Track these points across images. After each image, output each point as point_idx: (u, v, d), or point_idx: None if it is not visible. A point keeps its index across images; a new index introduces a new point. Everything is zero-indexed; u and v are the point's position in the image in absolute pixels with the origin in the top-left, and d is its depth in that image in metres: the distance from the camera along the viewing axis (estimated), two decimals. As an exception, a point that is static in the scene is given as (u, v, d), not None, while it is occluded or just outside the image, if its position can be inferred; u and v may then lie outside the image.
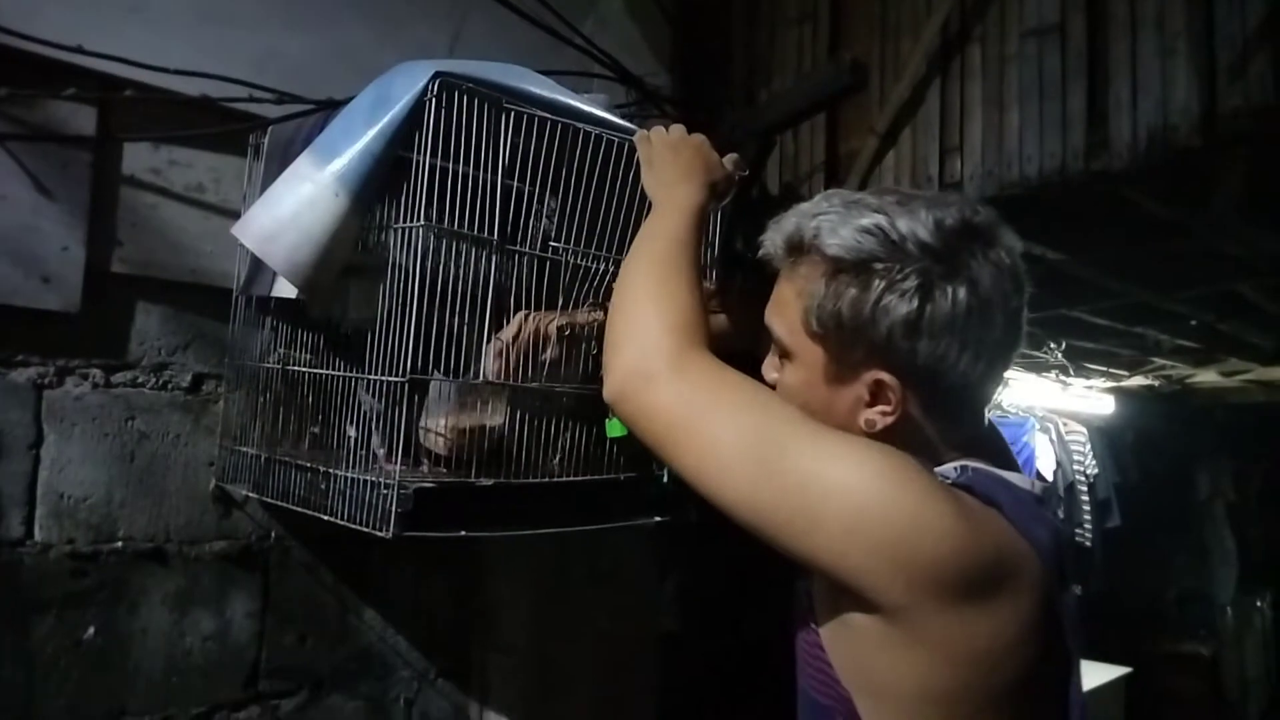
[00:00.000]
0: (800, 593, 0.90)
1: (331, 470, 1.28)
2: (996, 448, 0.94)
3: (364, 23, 1.68)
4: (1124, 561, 5.31)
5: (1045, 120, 1.65)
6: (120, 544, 1.46)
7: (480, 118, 1.23)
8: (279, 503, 1.39)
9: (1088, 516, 4.88)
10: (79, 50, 1.35)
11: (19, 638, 1.36)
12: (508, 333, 1.29)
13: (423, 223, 1.20)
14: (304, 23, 1.62)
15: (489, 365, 1.28)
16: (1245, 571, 6.62)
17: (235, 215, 1.45)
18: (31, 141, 1.36)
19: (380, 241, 1.34)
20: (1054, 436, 4.75)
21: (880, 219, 0.83)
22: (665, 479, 1.42)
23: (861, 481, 0.78)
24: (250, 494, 1.50)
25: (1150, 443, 6.08)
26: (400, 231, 1.23)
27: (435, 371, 1.22)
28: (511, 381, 1.29)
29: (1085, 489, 4.89)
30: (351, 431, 1.30)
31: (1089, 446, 4.97)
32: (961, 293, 0.81)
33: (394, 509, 1.17)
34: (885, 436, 0.84)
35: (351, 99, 1.30)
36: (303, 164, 1.27)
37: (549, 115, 1.29)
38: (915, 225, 0.83)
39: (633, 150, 1.24)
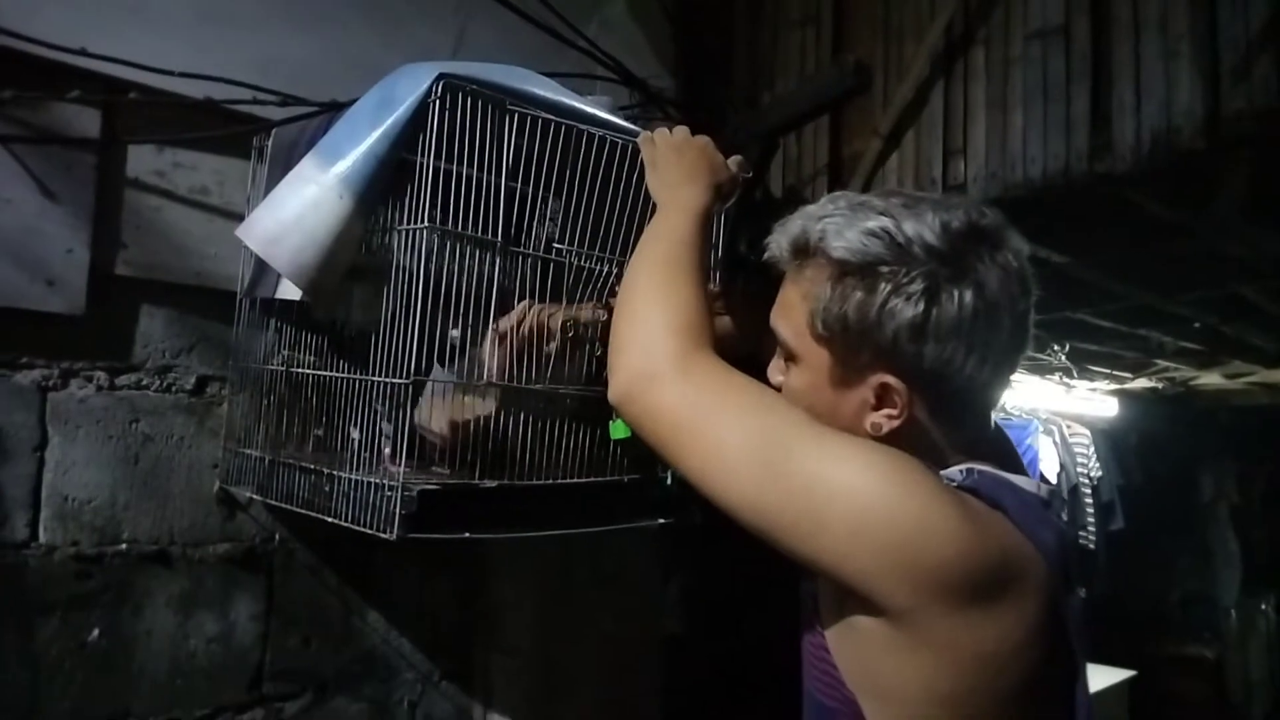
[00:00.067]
0: (805, 595, 0.90)
1: (335, 472, 1.28)
2: (1003, 450, 0.94)
3: (368, 25, 1.68)
4: (1128, 564, 5.29)
5: (1049, 122, 1.66)
6: (125, 546, 1.46)
7: (484, 119, 1.23)
8: (283, 505, 1.39)
9: (1091, 519, 4.87)
10: (83, 53, 1.35)
11: (24, 640, 1.36)
12: (509, 321, 1.28)
13: (427, 225, 1.20)
14: (308, 25, 1.62)
15: (488, 355, 1.28)
16: (1249, 574, 6.60)
17: (239, 218, 1.45)
18: (36, 144, 1.36)
19: (384, 244, 1.33)
20: (1058, 439, 4.74)
21: (886, 221, 0.83)
22: (669, 481, 1.42)
23: (867, 484, 0.77)
24: (254, 496, 1.50)
25: (1154, 445, 6.07)
26: (404, 233, 1.23)
27: (437, 366, 1.22)
28: (513, 378, 1.28)
29: (1089, 491, 4.87)
30: (355, 433, 1.30)
31: (1093, 449, 4.96)
32: (968, 296, 0.81)
33: (398, 511, 1.17)
34: (891, 439, 0.84)
35: (355, 101, 1.31)
36: (307, 166, 1.27)
37: (553, 117, 1.29)
38: (922, 228, 0.82)
39: (636, 152, 1.24)
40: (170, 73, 1.42)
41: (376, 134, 1.22)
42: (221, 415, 1.57)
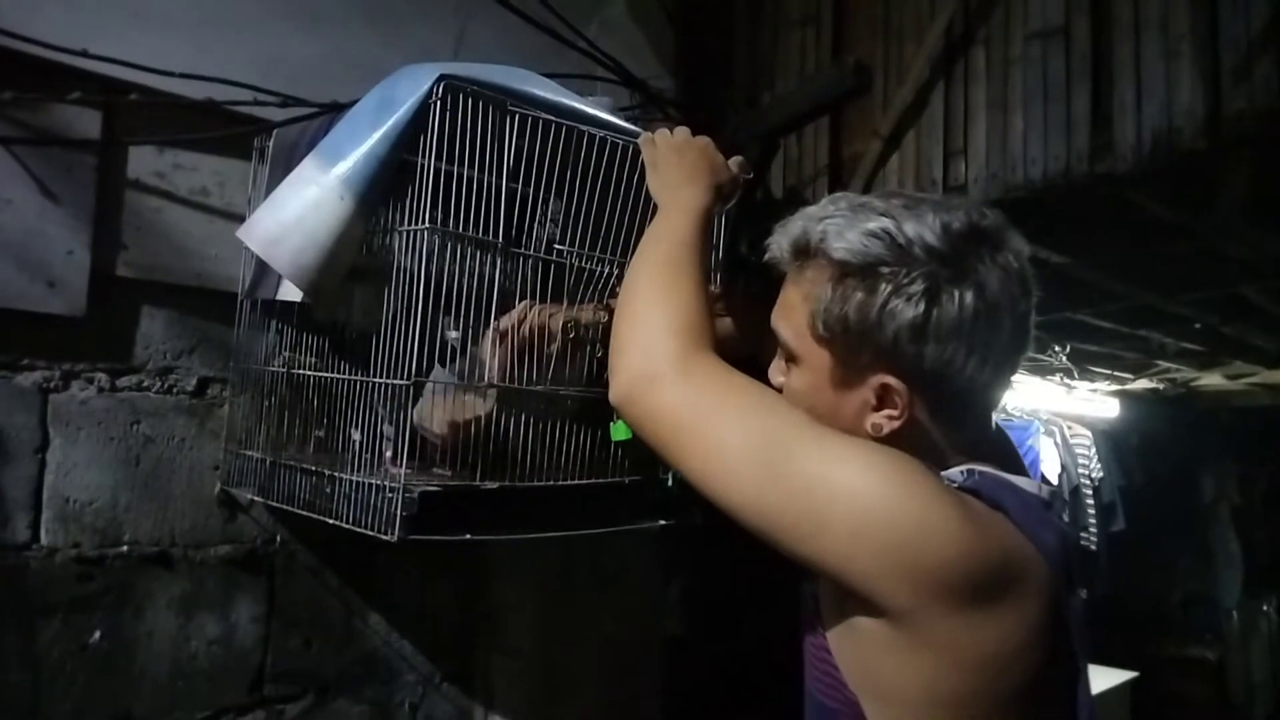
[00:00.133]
0: (806, 596, 0.90)
1: (337, 474, 1.28)
2: (1004, 451, 0.94)
3: (368, 26, 1.68)
4: (1129, 565, 5.29)
5: (1049, 123, 1.65)
6: (126, 548, 1.46)
7: (485, 120, 1.23)
8: (284, 506, 1.39)
9: (1093, 520, 4.87)
10: (84, 54, 1.35)
11: (25, 641, 1.36)
12: (509, 320, 1.28)
13: (427, 226, 1.20)
14: (308, 26, 1.62)
15: (488, 354, 1.28)
16: (1250, 575, 6.59)
17: (240, 219, 1.45)
18: (36, 145, 1.36)
19: (385, 245, 1.34)
20: (1059, 440, 4.74)
21: (887, 222, 0.83)
22: (670, 482, 1.42)
23: (868, 485, 0.77)
24: (255, 498, 1.50)
25: (1155, 446, 6.07)
26: (405, 235, 1.23)
27: (438, 366, 1.22)
28: (513, 378, 1.28)
29: (1090, 492, 4.88)
30: (356, 435, 1.30)
31: (1094, 450, 4.96)
32: (969, 297, 0.81)
33: (399, 512, 1.17)
34: (892, 440, 0.84)
35: (356, 102, 1.31)
36: (307, 167, 1.27)
37: (553, 118, 1.29)
38: (922, 229, 0.82)
39: (637, 153, 1.24)
40: (171, 74, 1.41)
41: (377, 135, 1.22)
42: (222, 417, 1.57)
